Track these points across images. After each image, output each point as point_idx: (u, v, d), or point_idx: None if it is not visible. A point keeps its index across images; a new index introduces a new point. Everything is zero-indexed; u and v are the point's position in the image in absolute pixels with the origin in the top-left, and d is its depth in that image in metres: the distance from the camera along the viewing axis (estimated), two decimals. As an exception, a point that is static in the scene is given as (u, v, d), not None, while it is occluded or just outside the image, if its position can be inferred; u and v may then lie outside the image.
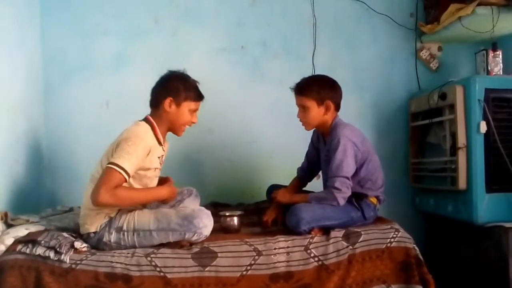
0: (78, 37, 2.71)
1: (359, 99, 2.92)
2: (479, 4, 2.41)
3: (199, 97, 1.90)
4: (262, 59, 2.87)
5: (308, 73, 2.86)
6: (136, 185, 1.79)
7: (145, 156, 1.76)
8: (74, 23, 2.71)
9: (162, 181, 1.99)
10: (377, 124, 2.95)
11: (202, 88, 2.77)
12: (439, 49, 2.97)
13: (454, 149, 2.39)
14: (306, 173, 2.30)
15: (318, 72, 2.84)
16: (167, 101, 1.84)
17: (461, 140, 2.34)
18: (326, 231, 1.85)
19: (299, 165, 2.34)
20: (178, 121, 1.87)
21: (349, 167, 1.93)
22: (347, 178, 1.92)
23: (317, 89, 2.02)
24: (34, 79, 2.55)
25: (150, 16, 2.78)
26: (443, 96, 2.46)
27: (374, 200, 2.01)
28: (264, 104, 2.86)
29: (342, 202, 1.90)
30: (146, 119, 1.87)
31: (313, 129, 2.17)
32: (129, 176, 1.68)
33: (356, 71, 2.92)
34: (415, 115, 2.82)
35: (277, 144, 2.85)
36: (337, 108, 2.08)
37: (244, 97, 2.86)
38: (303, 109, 2.05)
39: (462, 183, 2.33)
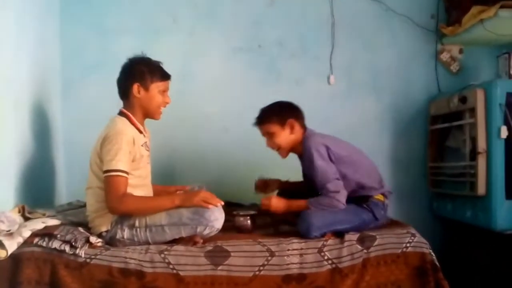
0: (97, 35, 2.74)
1: (377, 101, 2.89)
2: (502, 7, 2.36)
3: (165, 76, 1.88)
4: (279, 58, 2.86)
5: (325, 73, 2.88)
6: (132, 178, 1.78)
7: (132, 147, 1.77)
8: (93, 20, 2.74)
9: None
10: (395, 127, 2.91)
11: (218, 88, 2.83)
12: (460, 51, 2.92)
13: (473, 154, 2.35)
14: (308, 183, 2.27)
15: (336, 73, 2.85)
16: (135, 87, 1.83)
17: (481, 144, 2.30)
18: (340, 234, 1.83)
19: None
20: (151, 104, 1.86)
21: (332, 168, 1.91)
22: (337, 179, 1.90)
23: (275, 112, 2.03)
24: (53, 75, 2.59)
25: (168, 15, 2.80)
26: (463, 100, 2.42)
27: (381, 197, 1.98)
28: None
29: (344, 202, 1.88)
30: (120, 113, 1.88)
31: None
32: (127, 173, 1.72)
33: (374, 73, 2.90)
34: (434, 118, 2.78)
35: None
36: (302, 124, 2.06)
37: (260, 96, 2.80)
38: (270, 136, 2.05)
39: (481, 189, 2.29)
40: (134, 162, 1.80)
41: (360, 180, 1.97)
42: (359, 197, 1.95)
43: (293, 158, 2.76)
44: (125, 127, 1.80)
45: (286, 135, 2.03)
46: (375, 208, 1.94)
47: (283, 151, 2.07)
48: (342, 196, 1.88)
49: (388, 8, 2.87)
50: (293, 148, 2.08)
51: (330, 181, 1.89)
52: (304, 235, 1.81)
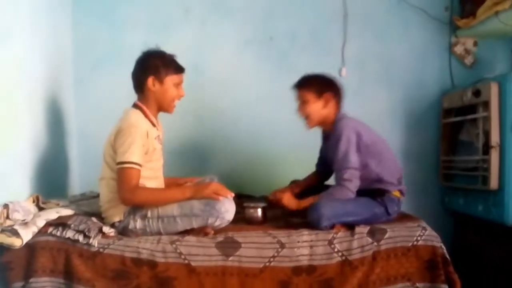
0: (109, 27, 2.76)
1: (389, 94, 2.87)
2: (518, -2, 2.32)
3: (179, 69, 1.90)
4: (291, 51, 2.85)
5: (337, 66, 2.85)
6: (144, 170, 1.79)
7: (146, 140, 1.79)
8: (105, 13, 2.76)
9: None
10: (407, 120, 2.89)
11: (229, 81, 2.83)
12: (475, 44, 2.87)
13: (486, 148, 2.32)
14: (321, 167, 2.28)
15: (348, 65, 2.83)
16: (150, 81, 1.85)
17: (495, 138, 2.27)
18: (350, 227, 1.83)
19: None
20: (165, 97, 1.88)
21: (355, 157, 1.90)
22: (355, 169, 1.90)
23: (315, 82, 2.02)
24: (65, 68, 2.62)
25: (180, 7, 2.80)
26: (477, 93, 2.39)
27: (397, 194, 1.97)
28: (291, 97, 2.83)
29: (355, 191, 1.89)
30: (134, 105, 1.90)
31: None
32: (140, 166, 1.74)
33: (387, 65, 2.87)
34: (447, 112, 2.75)
35: (303, 137, 2.79)
36: (338, 104, 2.05)
37: (271, 89, 2.85)
38: (302, 103, 2.04)
39: (493, 183, 2.27)
40: (147, 155, 1.81)
41: (380, 173, 1.96)
42: (375, 190, 1.94)
43: (301, 149, 2.78)
44: (139, 120, 1.82)
45: (318, 107, 2.01)
46: (390, 203, 1.93)
47: (311, 122, 2.06)
48: (353, 186, 1.89)
49: None
50: (322, 123, 2.07)
51: (347, 169, 1.88)
52: (314, 225, 1.81)
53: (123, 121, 1.80)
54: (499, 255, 2.32)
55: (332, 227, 1.82)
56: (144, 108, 1.88)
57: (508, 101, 2.24)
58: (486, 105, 2.33)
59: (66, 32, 2.66)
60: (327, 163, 2.19)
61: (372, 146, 1.96)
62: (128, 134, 1.74)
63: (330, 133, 2.04)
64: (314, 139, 2.76)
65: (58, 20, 2.52)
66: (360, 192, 1.92)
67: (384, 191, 1.95)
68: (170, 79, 1.87)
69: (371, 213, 1.89)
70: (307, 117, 2.05)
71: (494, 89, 2.29)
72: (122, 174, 1.72)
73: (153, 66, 1.85)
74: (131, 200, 1.74)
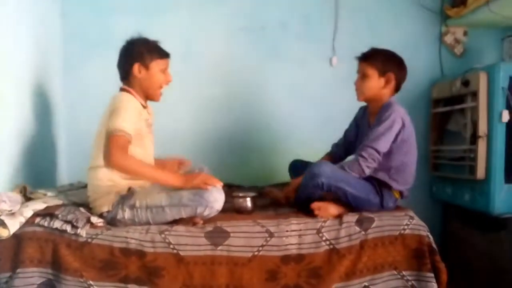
0: (98, 14, 2.72)
1: (379, 83, 2.86)
2: (508, -12, 2.32)
3: (164, 54, 1.89)
4: (282, 39, 2.84)
5: (327, 55, 2.84)
6: (134, 148, 1.78)
7: (138, 115, 1.80)
8: (95, -1, 2.72)
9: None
10: (396, 110, 2.89)
11: (220, 69, 2.81)
12: (465, 33, 2.88)
13: (474, 138, 2.34)
14: (340, 149, 2.24)
15: (339, 53, 2.82)
16: (135, 68, 1.84)
17: (482, 128, 2.29)
18: (338, 215, 1.83)
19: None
20: (152, 83, 1.87)
21: (386, 144, 1.88)
22: (378, 153, 1.87)
23: (382, 59, 1.97)
24: (54, 55, 2.58)
25: (170, -7, 2.77)
26: (466, 83, 2.40)
27: (396, 194, 1.97)
28: (282, 86, 2.84)
29: (367, 171, 1.87)
30: (122, 90, 1.89)
31: (360, 107, 2.12)
32: (130, 135, 1.72)
33: (377, 55, 2.86)
34: (436, 102, 2.76)
35: (294, 126, 2.84)
36: (398, 87, 2.01)
37: (262, 78, 2.84)
38: (362, 76, 1.99)
39: (480, 173, 2.29)
40: (137, 136, 1.79)
41: (395, 170, 1.93)
42: (379, 181, 1.93)
43: (293, 139, 2.78)
44: (132, 99, 1.83)
45: (377, 85, 1.97)
46: (387, 197, 1.93)
47: (362, 96, 2.01)
48: (366, 165, 1.86)
49: (392, -12, 2.83)
50: (371, 101, 2.03)
51: (371, 148, 1.86)
52: (311, 178, 1.82)
53: (116, 101, 1.79)
54: (484, 243, 2.35)
55: (328, 190, 1.81)
56: (132, 91, 1.87)
57: (496, 91, 2.25)
58: (475, 95, 2.34)
59: (55, 19, 2.61)
60: (349, 146, 2.18)
61: (406, 143, 1.93)
62: (123, 106, 1.74)
63: (374, 114, 2.00)
64: (306, 129, 2.79)
65: (47, 7, 2.47)
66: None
67: (386, 185, 1.94)
68: (156, 64, 1.86)
69: (366, 197, 1.89)
70: (360, 91, 2.01)
71: (483, 79, 2.30)
72: (111, 140, 1.68)
73: (138, 53, 1.84)
74: (121, 163, 1.68)
